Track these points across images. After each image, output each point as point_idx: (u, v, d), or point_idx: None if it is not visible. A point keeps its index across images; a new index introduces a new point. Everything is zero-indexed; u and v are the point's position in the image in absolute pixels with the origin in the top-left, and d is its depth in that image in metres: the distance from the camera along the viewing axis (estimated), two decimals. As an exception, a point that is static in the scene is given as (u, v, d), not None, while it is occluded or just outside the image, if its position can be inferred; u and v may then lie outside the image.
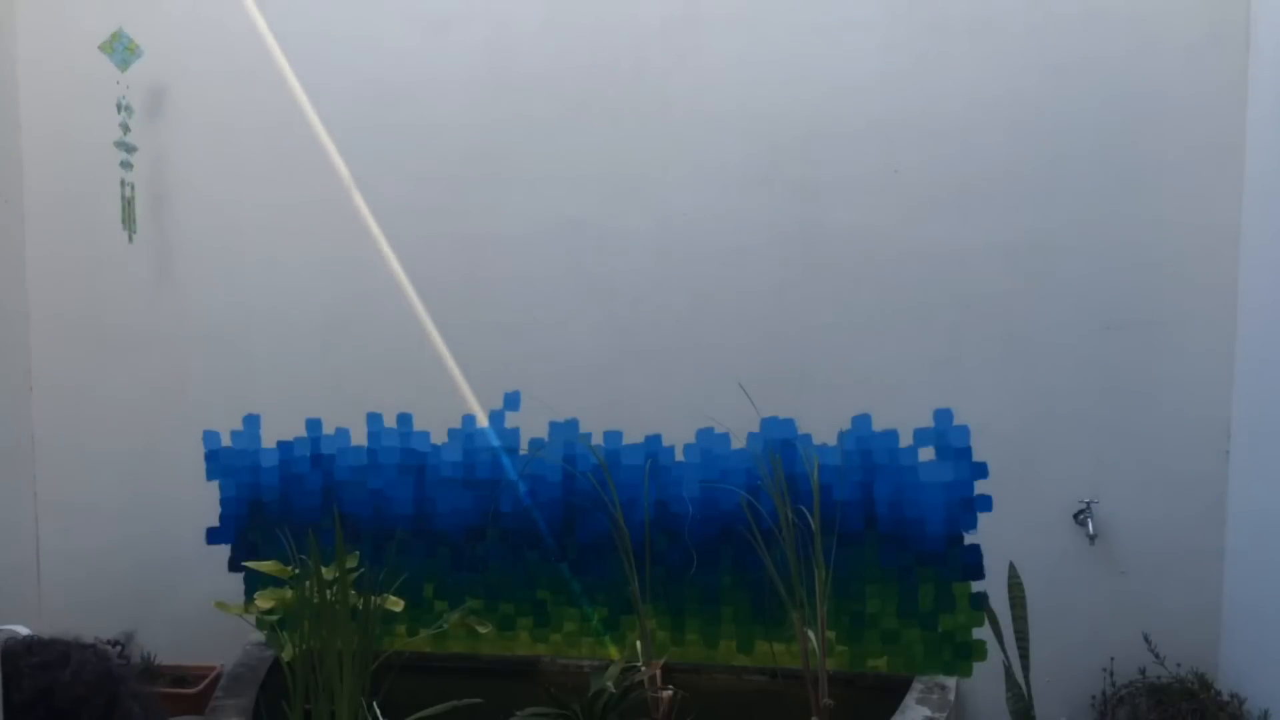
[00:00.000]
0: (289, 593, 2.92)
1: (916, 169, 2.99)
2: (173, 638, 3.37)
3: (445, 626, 3.12)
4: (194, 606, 3.31)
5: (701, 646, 3.17)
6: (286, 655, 2.75)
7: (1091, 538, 2.89)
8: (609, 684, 2.88)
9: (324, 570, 2.75)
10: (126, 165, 3.26)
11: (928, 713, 2.78)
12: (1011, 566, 2.74)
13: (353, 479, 3.32)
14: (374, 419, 3.31)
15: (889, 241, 3.01)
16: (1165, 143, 2.87)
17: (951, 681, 2.98)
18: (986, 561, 3.01)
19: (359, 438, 3.32)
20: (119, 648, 3.27)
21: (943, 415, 3.01)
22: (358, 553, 3.06)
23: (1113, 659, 2.92)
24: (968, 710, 3.03)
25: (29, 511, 3.46)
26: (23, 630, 3.09)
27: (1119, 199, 2.90)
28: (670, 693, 2.90)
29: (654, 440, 3.17)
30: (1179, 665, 2.84)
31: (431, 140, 3.21)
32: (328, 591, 2.72)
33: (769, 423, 3.09)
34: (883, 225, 3.01)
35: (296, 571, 2.91)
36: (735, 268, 3.10)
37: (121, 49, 3.22)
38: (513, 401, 3.24)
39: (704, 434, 3.14)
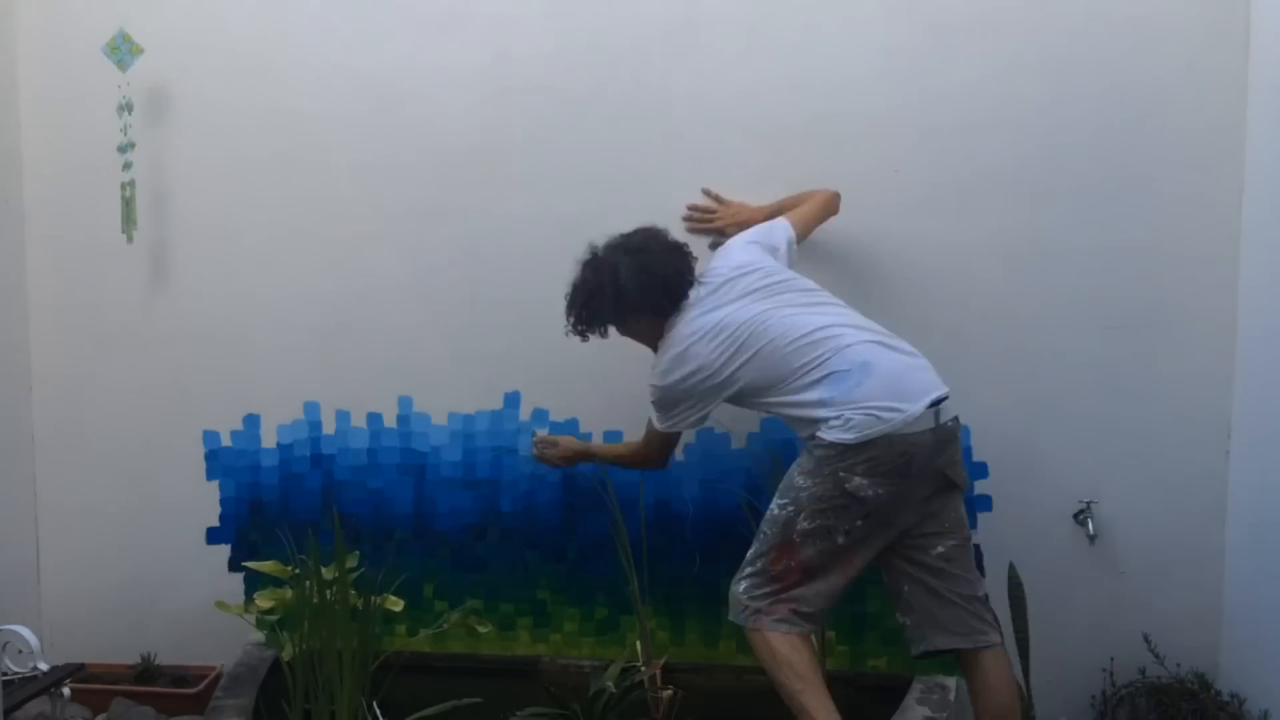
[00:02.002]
0: (289, 593, 2.92)
1: (917, 169, 2.99)
2: (173, 638, 3.38)
3: (445, 626, 3.12)
4: (194, 606, 3.32)
5: (701, 646, 3.18)
6: (286, 655, 2.76)
7: (1091, 538, 2.90)
8: (609, 684, 2.88)
9: (324, 570, 2.75)
10: (127, 165, 3.26)
11: (928, 713, 2.78)
12: (1011, 566, 2.74)
13: (353, 479, 3.33)
14: (374, 419, 3.31)
15: (889, 241, 3.01)
16: (1165, 142, 2.87)
17: (951, 681, 2.97)
18: (986, 561, 3.00)
19: (359, 438, 3.32)
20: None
21: (943, 415, 3.01)
22: (358, 553, 3.06)
23: (1113, 659, 2.92)
24: (968, 710, 3.02)
25: (29, 511, 3.46)
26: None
27: (1119, 199, 2.90)
28: (670, 693, 2.90)
29: (654, 440, 3.17)
30: (1179, 665, 2.84)
31: (432, 140, 3.22)
32: (328, 591, 2.72)
33: (769, 423, 3.09)
34: (883, 225, 3.01)
35: (296, 571, 2.92)
36: (735, 268, 3.09)
37: (125, 50, 3.22)
38: (513, 401, 3.25)
39: (704, 434, 3.14)
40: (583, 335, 2.80)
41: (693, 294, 2.67)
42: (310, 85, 3.26)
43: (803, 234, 2.83)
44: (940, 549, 2.53)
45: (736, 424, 3.09)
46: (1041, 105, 2.92)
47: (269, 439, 3.35)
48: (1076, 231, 2.91)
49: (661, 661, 2.97)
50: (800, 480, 2.51)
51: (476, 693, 2.76)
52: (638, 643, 3.00)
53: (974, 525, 3.00)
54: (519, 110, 3.18)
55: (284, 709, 2.69)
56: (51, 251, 3.42)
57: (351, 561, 2.98)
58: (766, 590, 2.53)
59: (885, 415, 2.41)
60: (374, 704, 2.67)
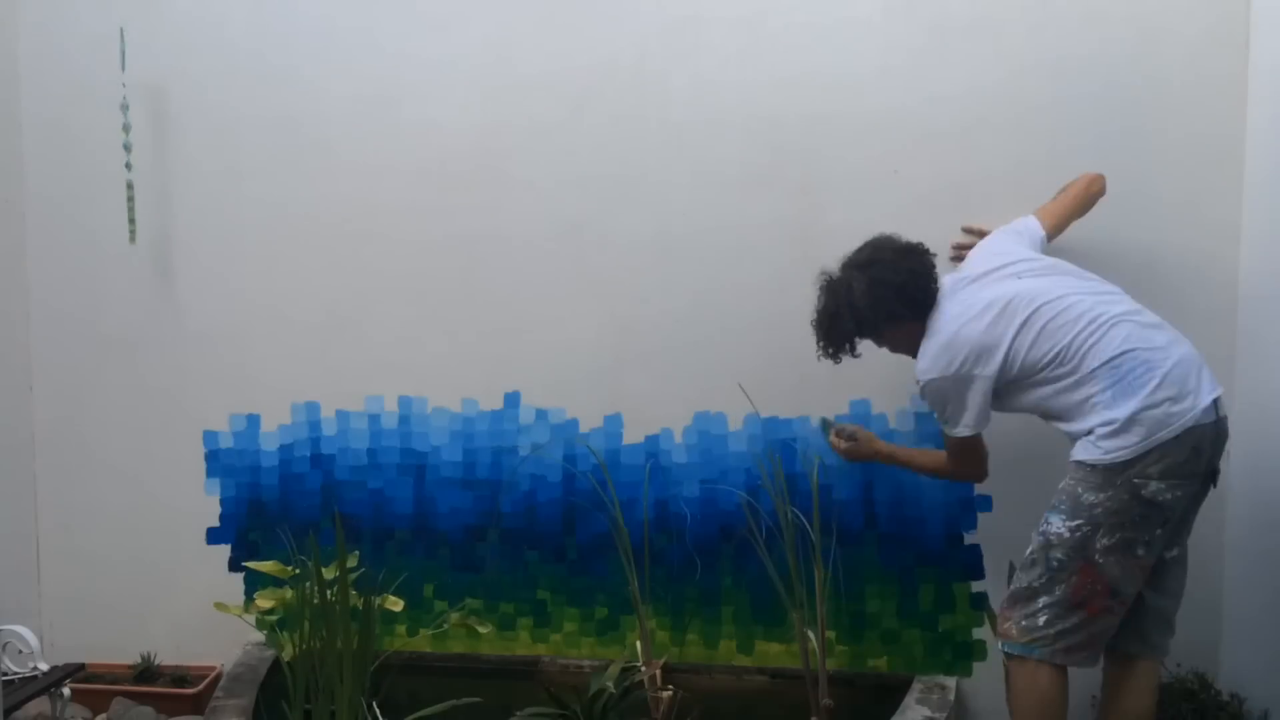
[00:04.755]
0: (289, 593, 2.92)
1: (916, 169, 2.99)
2: (173, 638, 3.38)
3: (445, 626, 3.12)
4: (194, 606, 3.31)
5: (701, 646, 3.17)
6: (286, 655, 2.75)
7: (1091, 538, 2.89)
8: (609, 684, 2.88)
9: (324, 570, 2.75)
10: (127, 165, 3.26)
11: (928, 713, 2.78)
12: (1011, 566, 2.74)
13: (353, 479, 3.33)
14: (374, 419, 3.31)
15: (889, 241, 3.00)
16: (1165, 142, 2.87)
17: (951, 681, 2.98)
18: (986, 561, 3.01)
19: (359, 438, 3.32)
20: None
21: (943, 415, 3.01)
22: (358, 553, 3.06)
23: (1113, 659, 2.91)
24: (968, 710, 3.03)
25: (29, 511, 3.46)
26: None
27: (1119, 199, 2.89)
28: (670, 693, 2.90)
29: (654, 440, 3.17)
30: (1179, 665, 2.84)
31: (431, 140, 3.22)
32: (328, 591, 2.72)
33: (769, 423, 3.09)
34: (882, 225, 2.98)
35: (296, 571, 2.92)
36: (735, 267, 3.10)
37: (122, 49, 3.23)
38: (513, 401, 3.24)
39: (704, 434, 3.13)
40: (835, 358, 2.72)
41: (949, 285, 2.60)
42: (310, 85, 3.26)
43: (1055, 229, 2.70)
44: (1175, 551, 2.45)
45: (737, 422, 3.10)
46: (1041, 105, 2.92)
47: (269, 439, 3.35)
48: (1076, 231, 2.91)
49: (661, 661, 2.97)
50: (1090, 497, 2.36)
51: (476, 693, 2.75)
52: (638, 643, 3.00)
53: (974, 525, 3.01)
54: (519, 110, 3.18)
55: (284, 709, 2.69)
56: (52, 251, 3.43)
57: (351, 561, 2.98)
58: (1075, 621, 2.37)
59: (1176, 411, 2.29)
60: (374, 704, 2.67)
